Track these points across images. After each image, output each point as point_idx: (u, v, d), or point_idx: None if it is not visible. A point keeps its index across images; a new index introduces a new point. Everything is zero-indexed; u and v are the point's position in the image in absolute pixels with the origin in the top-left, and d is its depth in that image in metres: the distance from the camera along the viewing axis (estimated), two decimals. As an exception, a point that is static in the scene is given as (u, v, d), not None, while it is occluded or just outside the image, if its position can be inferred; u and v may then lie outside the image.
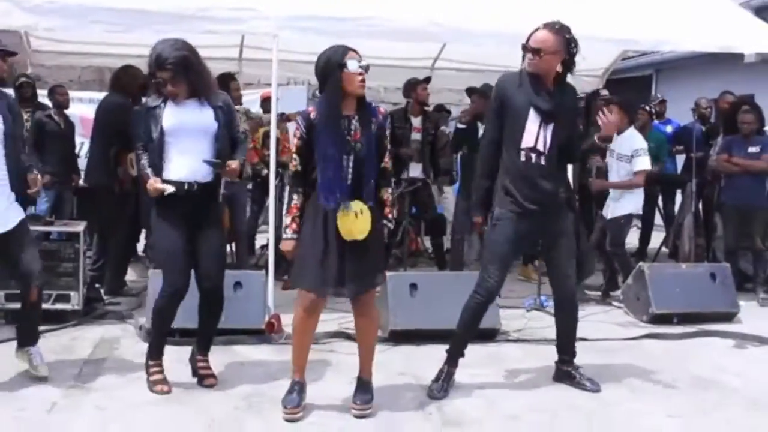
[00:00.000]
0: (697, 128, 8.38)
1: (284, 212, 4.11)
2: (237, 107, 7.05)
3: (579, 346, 4.90)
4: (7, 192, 4.39)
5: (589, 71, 9.47)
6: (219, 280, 4.50)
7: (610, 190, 7.05)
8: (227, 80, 6.97)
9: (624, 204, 6.85)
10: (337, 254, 3.94)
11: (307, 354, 4.22)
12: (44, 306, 5.57)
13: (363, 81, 3.95)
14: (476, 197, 4.62)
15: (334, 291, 4.01)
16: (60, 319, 5.67)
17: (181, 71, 4.27)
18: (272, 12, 5.79)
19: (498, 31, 6.18)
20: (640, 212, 7.26)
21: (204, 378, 4.57)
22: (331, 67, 3.92)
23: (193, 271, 4.43)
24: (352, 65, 3.89)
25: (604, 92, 8.84)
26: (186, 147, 4.32)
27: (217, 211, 4.54)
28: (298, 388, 4.16)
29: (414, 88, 7.78)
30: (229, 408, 4.18)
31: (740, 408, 4.37)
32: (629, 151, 6.75)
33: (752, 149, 7.22)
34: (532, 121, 4.36)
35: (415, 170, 7.80)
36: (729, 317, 6.27)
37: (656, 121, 8.97)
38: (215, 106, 4.41)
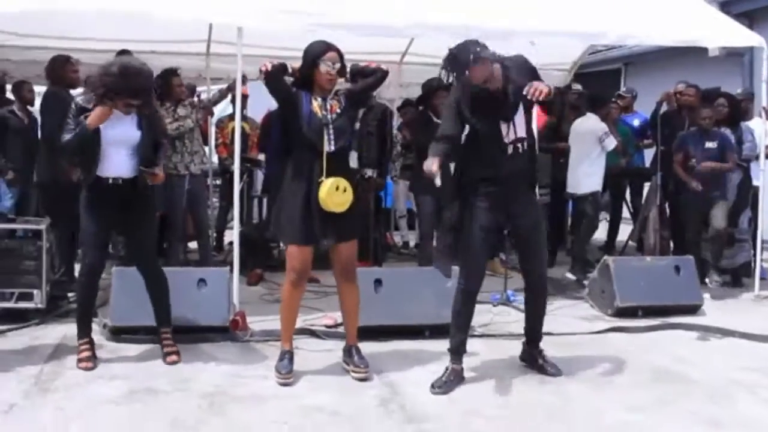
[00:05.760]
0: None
1: None
2: (186, 101, 7.09)
3: (545, 340, 4.94)
4: None
5: (557, 65, 9.50)
6: (151, 261, 5.00)
7: (581, 164, 7.52)
8: (169, 76, 6.93)
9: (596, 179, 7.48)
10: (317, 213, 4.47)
11: (294, 324, 4.74)
12: (6, 305, 5.61)
13: (331, 80, 4.54)
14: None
15: (313, 242, 4.52)
16: (23, 317, 5.62)
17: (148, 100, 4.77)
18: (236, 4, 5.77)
19: (463, 24, 6.18)
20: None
21: (167, 355, 4.84)
22: (307, 60, 4.54)
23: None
24: (323, 66, 4.48)
25: (577, 86, 8.89)
26: (111, 149, 4.67)
27: (144, 200, 4.86)
28: (289, 356, 4.63)
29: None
30: (192, 407, 4.15)
31: (700, 400, 4.41)
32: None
33: (710, 144, 7.17)
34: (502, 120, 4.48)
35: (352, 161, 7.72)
36: (693, 309, 6.31)
37: (623, 115, 9.00)
38: (140, 114, 4.72)
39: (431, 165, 4.23)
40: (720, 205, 7.13)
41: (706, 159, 7.16)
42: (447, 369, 4.58)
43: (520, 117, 4.52)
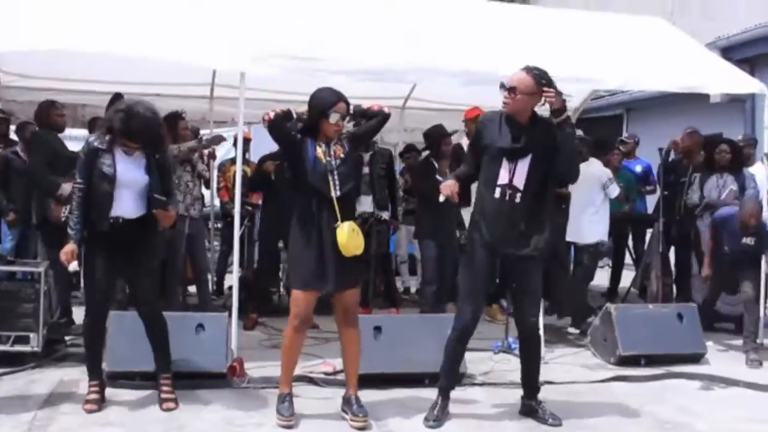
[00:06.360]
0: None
1: None
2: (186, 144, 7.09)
3: (547, 388, 4.89)
4: None
5: (560, 111, 9.50)
6: (151, 303, 4.89)
7: (585, 212, 7.34)
8: (175, 120, 6.98)
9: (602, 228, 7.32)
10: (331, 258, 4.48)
11: (293, 369, 4.72)
12: (2, 348, 5.54)
13: (338, 131, 4.58)
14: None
15: (323, 288, 4.50)
16: (19, 361, 5.54)
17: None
18: (239, 50, 5.79)
19: (466, 70, 6.20)
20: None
21: (163, 401, 4.78)
22: (315, 110, 4.53)
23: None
24: (333, 118, 4.49)
25: (578, 132, 8.87)
26: (116, 190, 4.67)
27: (146, 242, 4.81)
28: (289, 398, 4.62)
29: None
30: (185, 455, 4.09)
31: (705, 452, 4.34)
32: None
33: (746, 240, 6.60)
34: (505, 159, 4.50)
35: (366, 205, 7.64)
36: (697, 358, 6.24)
37: (626, 160, 8.99)
38: (151, 156, 4.75)
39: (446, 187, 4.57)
40: (751, 270, 6.67)
41: (742, 253, 6.64)
42: (438, 404, 4.67)
43: (524, 166, 4.48)
